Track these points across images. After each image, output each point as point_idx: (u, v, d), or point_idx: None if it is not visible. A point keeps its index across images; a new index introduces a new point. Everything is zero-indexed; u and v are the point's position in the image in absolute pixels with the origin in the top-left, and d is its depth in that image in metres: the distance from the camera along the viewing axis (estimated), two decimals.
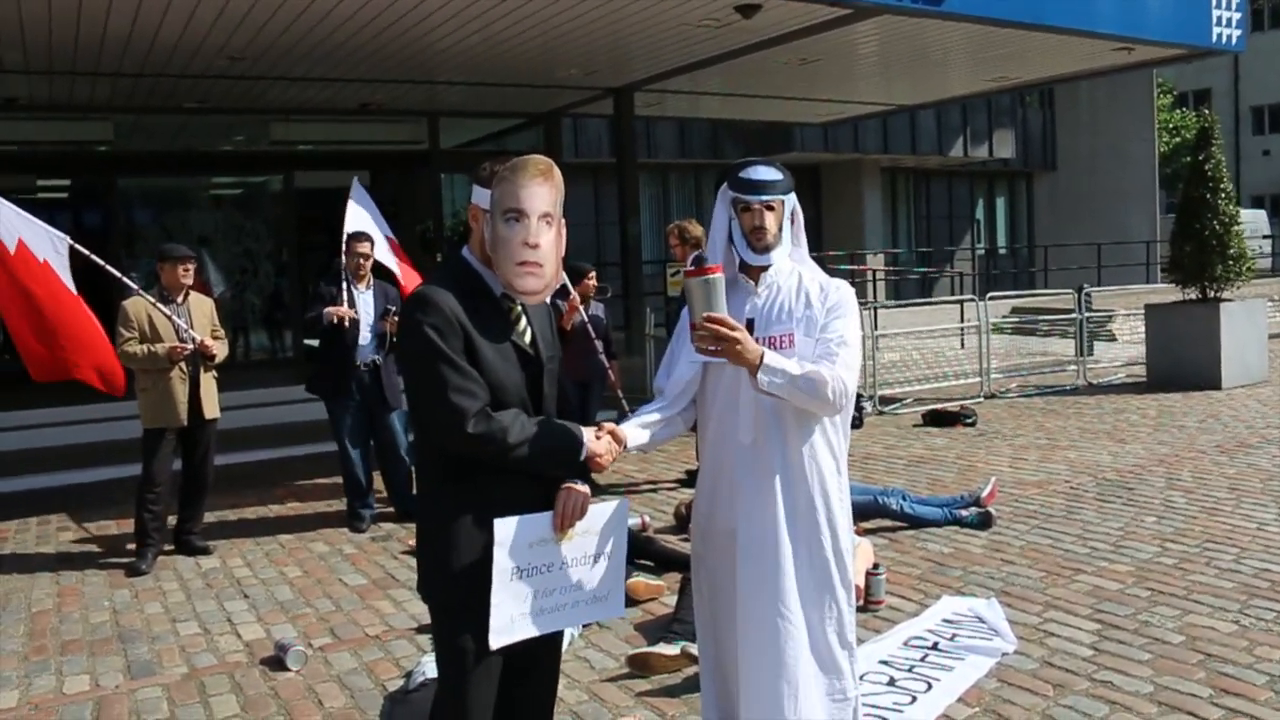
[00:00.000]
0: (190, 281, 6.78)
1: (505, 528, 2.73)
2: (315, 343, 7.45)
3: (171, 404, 6.63)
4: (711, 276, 2.86)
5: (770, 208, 3.06)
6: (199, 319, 6.77)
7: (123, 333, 6.59)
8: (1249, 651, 4.48)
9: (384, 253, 7.82)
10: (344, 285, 7.31)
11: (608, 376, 8.20)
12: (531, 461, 2.75)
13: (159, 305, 6.60)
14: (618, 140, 14.69)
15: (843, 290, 3.15)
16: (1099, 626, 4.85)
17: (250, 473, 9.49)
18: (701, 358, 3.02)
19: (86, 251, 6.70)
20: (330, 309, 7.16)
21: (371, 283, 7.48)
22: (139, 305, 6.64)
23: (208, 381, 6.79)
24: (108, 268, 6.69)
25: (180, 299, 6.75)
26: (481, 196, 2.84)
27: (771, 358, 2.90)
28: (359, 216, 7.77)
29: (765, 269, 3.11)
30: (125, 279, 6.81)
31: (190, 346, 6.60)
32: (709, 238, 3.21)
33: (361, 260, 7.38)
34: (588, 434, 2.85)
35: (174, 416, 6.64)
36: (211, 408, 6.82)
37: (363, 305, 7.34)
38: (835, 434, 3.15)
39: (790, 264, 3.15)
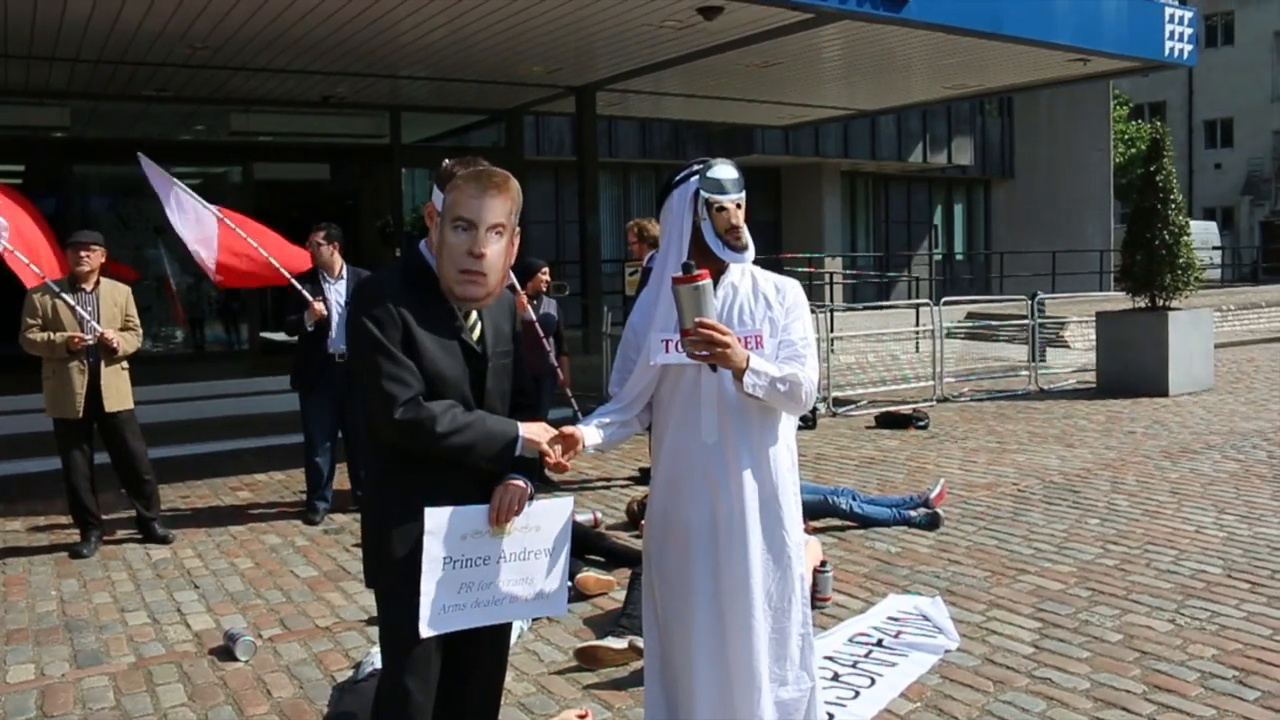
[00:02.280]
0: (89, 268, 6.56)
1: (436, 517, 2.77)
2: (278, 336, 7.42)
3: (68, 395, 6.51)
4: (701, 283, 2.87)
5: (739, 205, 3.09)
6: (107, 308, 6.61)
7: (26, 320, 6.50)
8: (1183, 650, 4.59)
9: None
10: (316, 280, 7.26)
11: (558, 374, 8.23)
12: (463, 452, 2.78)
13: (62, 294, 6.48)
14: (579, 139, 14.73)
15: (797, 290, 3.21)
16: (1040, 625, 4.95)
17: (203, 464, 9.43)
18: (665, 360, 3.06)
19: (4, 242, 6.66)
20: (307, 312, 7.11)
21: (345, 271, 7.42)
22: (43, 293, 6.54)
23: (111, 374, 6.60)
24: (16, 253, 6.63)
25: (90, 287, 6.60)
26: (438, 199, 2.87)
27: (756, 361, 2.95)
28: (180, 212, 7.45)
29: (724, 270, 3.15)
30: (31, 265, 6.71)
31: (90, 338, 6.48)
32: (668, 241, 3.15)
33: (315, 248, 7.31)
34: (525, 427, 2.88)
35: (70, 408, 6.52)
36: (115, 400, 6.62)
37: (335, 296, 7.27)
38: (791, 430, 3.21)
39: (742, 264, 3.18)
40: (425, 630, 2.76)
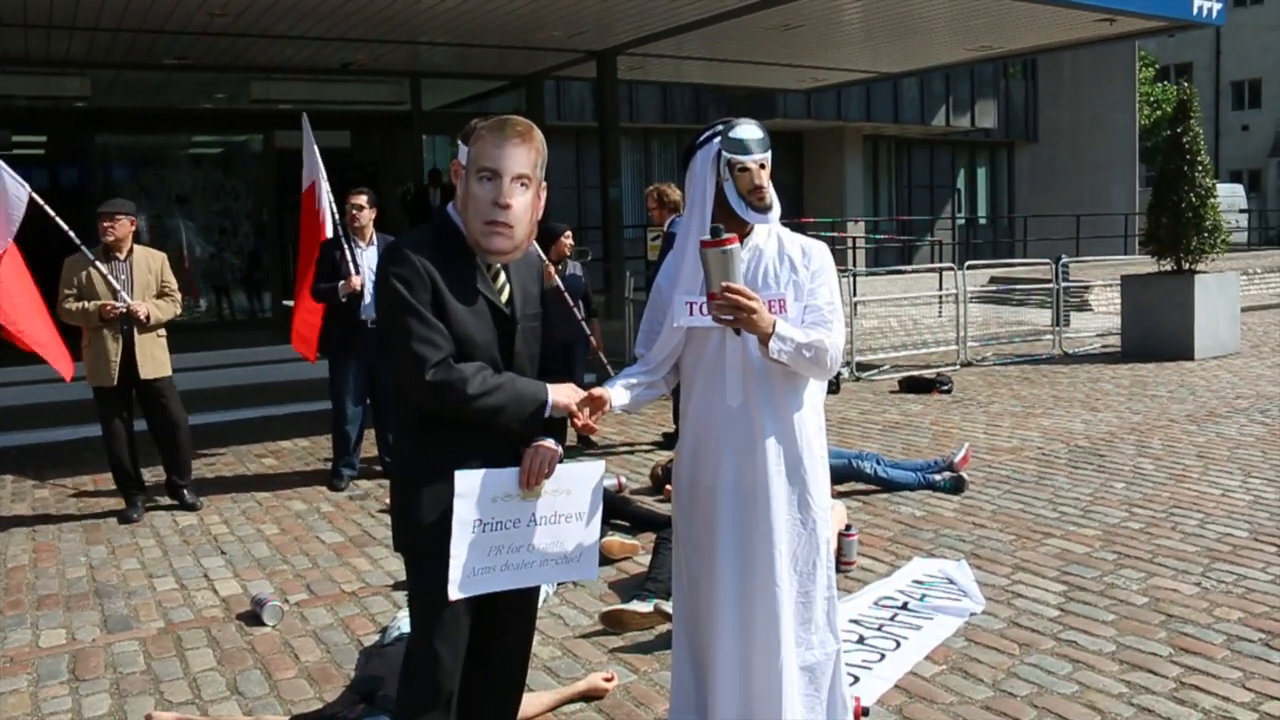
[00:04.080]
0: (113, 238, 6.54)
1: (466, 480, 2.76)
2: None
3: (104, 363, 6.55)
4: (729, 247, 2.85)
5: (763, 166, 3.06)
6: (141, 276, 6.62)
7: (62, 290, 6.55)
8: (1209, 613, 4.58)
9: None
10: (346, 246, 7.23)
11: (589, 338, 8.21)
12: (493, 414, 2.77)
13: (96, 263, 6.50)
14: (600, 104, 14.66)
15: (824, 253, 3.17)
16: (1065, 588, 4.94)
17: (228, 431, 9.49)
18: (688, 322, 3.05)
19: (42, 202, 6.65)
20: (343, 285, 7.11)
21: (375, 238, 7.39)
22: (78, 263, 6.56)
23: (146, 341, 6.62)
24: (59, 221, 6.64)
25: (123, 255, 6.62)
26: (462, 154, 2.86)
27: (783, 326, 2.93)
28: (313, 161, 7.63)
29: (748, 232, 3.13)
30: (71, 234, 6.73)
31: (122, 306, 6.49)
32: (691, 203, 3.13)
33: (355, 212, 7.27)
34: (555, 389, 2.88)
35: (105, 375, 6.56)
36: (151, 368, 6.65)
37: (366, 262, 7.23)
38: (819, 393, 3.20)
39: (768, 226, 3.16)
40: (455, 593, 2.76)
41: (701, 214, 3.06)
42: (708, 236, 2.88)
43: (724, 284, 2.86)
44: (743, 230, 3.08)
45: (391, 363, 2.81)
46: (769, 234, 3.14)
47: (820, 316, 3.07)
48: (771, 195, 3.07)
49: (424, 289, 2.73)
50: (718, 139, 3.05)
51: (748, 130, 3.05)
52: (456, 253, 2.83)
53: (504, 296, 2.90)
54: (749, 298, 2.87)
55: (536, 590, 3.11)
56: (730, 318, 2.88)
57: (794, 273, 3.10)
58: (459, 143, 2.90)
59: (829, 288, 3.12)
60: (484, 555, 2.80)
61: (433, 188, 14.94)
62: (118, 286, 6.51)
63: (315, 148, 7.65)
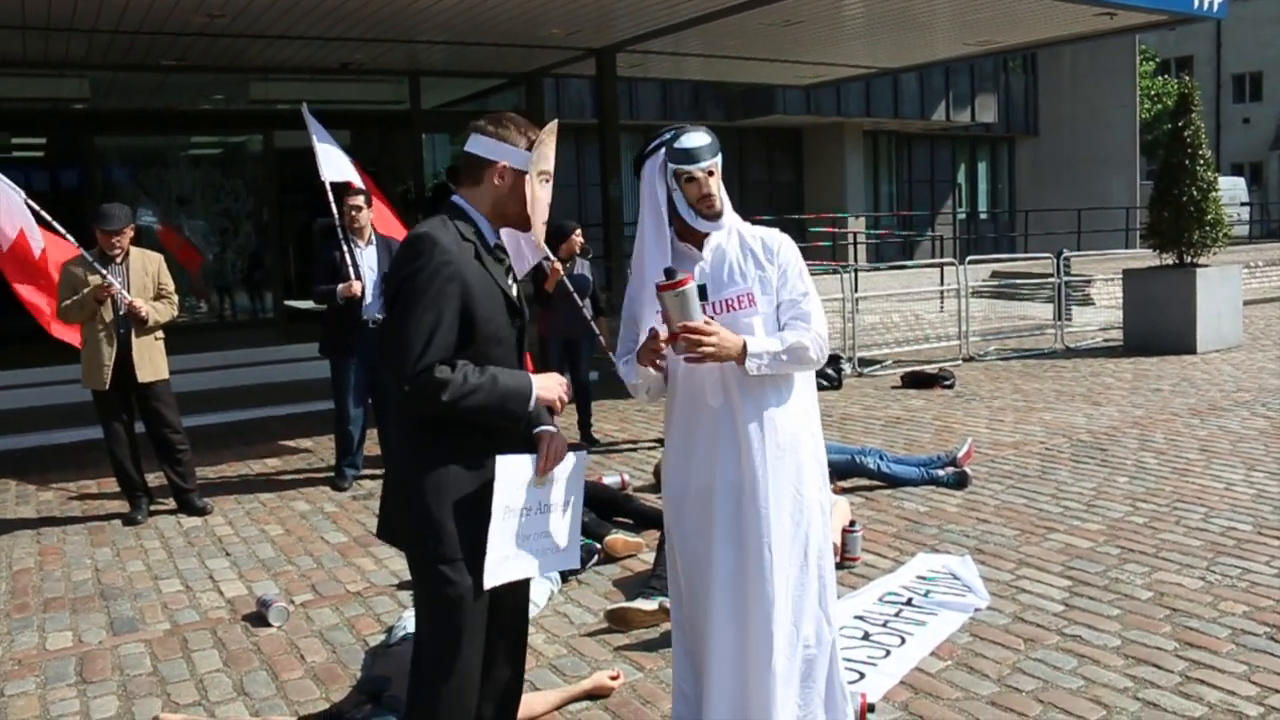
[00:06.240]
0: (119, 250, 6.52)
1: (508, 465, 2.76)
2: (303, 305, 7.44)
3: (96, 366, 6.51)
4: (684, 289, 2.88)
5: (711, 173, 3.07)
6: (137, 278, 6.57)
7: (62, 294, 6.54)
8: (1213, 606, 4.58)
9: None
10: (346, 247, 7.22)
11: (596, 335, 8.22)
12: (482, 411, 2.75)
13: (96, 264, 6.46)
14: (600, 101, 14.63)
15: (787, 243, 3.20)
16: (1070, 583, 4.94)
17: (230, 432, 9.50)
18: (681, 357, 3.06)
19: (37, 207, 6.66)
20: (343, 289, 7.10)
21: (373, 238, 7.39)
22: (76, 265, 6.53)
23: (144, 344, 6.57)
24: (54, 224, 6.63)
25: (119, 258, 6.57)
26: (517, 157, 2.83)
27: (754, 344, 2.96)
28: (330, 159, 7.65)
29: (707, 234, 3.12)
30: (68, 237, 6.71)
31: (120, 292, 6.41)
32: (643, 212, 3.13)
33: (354, 213, 7.27)
34: (539, 380, 2.87)
35: (98, 379, 6.52)
36: (149, 371, 6.60)
37: (365, 262, 7.24)
38: (808, 388, 3.20)
39: (725, 223, 3.16)
40: (489, 580, 2.75)
41: (655, 222, 3.08)
42: (663, 279, 2.90)
43: (680, 325, 2.89)
44: (700, 236, 3.10)
45: (388, 343, 2.77)
46: (729, 231, 3.16)
47: (798, 310, 3.10)
48: (720, 201, 3.09)
49: (454, 281, 2.72)
50: (663, 150, 3.07)
51: (692, 139, 3.06)
52: (478, 246, 2.84)
53: (514, 290, 2.93)
54: (707, 334, 2.89)
55: (527, 583, 3.09)
56: (697, 356, 2.90)
57: (759, 268, 3.12)
58: (502, 144, 2.86)
59: (800, 278, 3.14)
60: (511, 542, 2.80)
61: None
62: (118, 285, 6.49)
63: (328, 135, 7.65)
